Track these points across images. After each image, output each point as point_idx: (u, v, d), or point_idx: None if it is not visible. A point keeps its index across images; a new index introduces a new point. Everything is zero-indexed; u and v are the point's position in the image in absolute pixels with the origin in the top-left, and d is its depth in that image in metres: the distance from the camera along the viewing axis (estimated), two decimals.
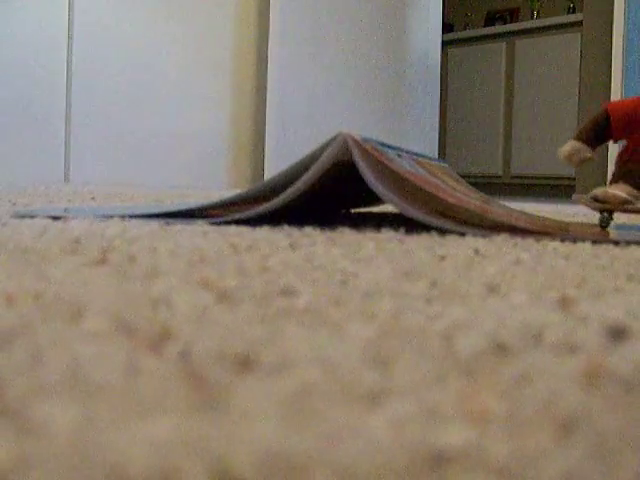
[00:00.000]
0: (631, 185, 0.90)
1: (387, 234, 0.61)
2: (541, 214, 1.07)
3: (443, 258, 0.47)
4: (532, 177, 4.20)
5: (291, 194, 0.64)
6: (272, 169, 2.62)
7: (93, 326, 0.24)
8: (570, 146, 0.90)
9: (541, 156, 4.13)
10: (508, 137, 4.29)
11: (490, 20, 4.71)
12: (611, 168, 2.68)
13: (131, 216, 0.70)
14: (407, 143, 3.09)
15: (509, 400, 0.18)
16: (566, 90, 4.02)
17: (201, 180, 2.68)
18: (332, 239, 0.57)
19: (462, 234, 0.62)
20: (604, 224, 0.84)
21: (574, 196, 0.92)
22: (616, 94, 2.67)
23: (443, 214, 0.66)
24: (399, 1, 3.05)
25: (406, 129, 3.11)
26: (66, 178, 2.41)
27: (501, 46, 4.33)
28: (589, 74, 3.75)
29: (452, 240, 0.59)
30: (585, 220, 1.14)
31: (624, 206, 0.86)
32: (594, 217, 1.31)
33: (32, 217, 0.70)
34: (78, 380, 0.18)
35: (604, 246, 0.59)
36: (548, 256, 0.51)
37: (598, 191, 0.89)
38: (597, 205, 0.86)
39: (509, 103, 4.30)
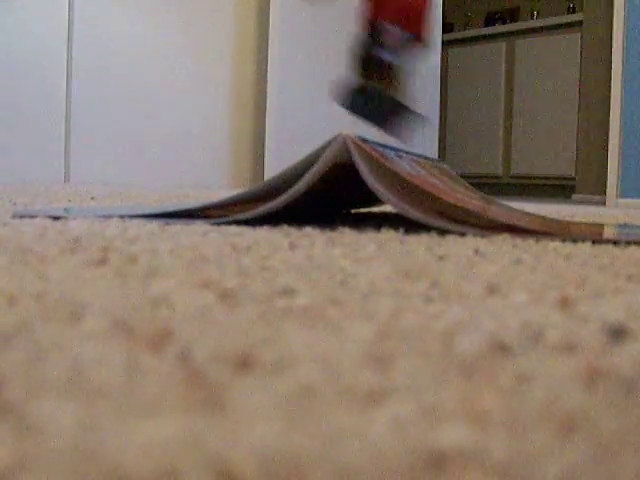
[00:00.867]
0: None
1: (387, 234, 0.61)
2: (541, 214, 1.07)
3: (443, 258, 0.47)
4: (532, 177, 4.20)
5: (291, 195, 0.64)
6: (272, 169, 2.62)
7: (93, 326, 0.24)
8: None
9: (541, 156, 4.13)
10: (508, 137, 4.29)
11: (490, 20, 4.71)
12: (612, 167, 2.68)
13: (131, 216, 0.70)
14: (407, 143, 3.09)
15: (509, 400, 0.18)
16: (566, 90, 4.02)
17: (201, 180, 2.68)
18: (332, 239, 0.57)
19: (462, 234, 0.62)
20: None
21: None
22: (616, 94, 2.67)
23: (443, 214, 0.66)
24: None
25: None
26: (66, 178, 2.41)
27: (501, 46, 4.34)
28: (589, 74, 3.75)
29: (452, 240, 0.59)
30: (585, 220, 1.14)
31: None
32: (594, 217, 1.31)
33: (32, 217, 0.70)
34: (78, 380, 0.18)
35: (604, 246, 0.59)
36: (548, 256, 0.51)
37: None
38: None
39: (509, 103, 4.30)
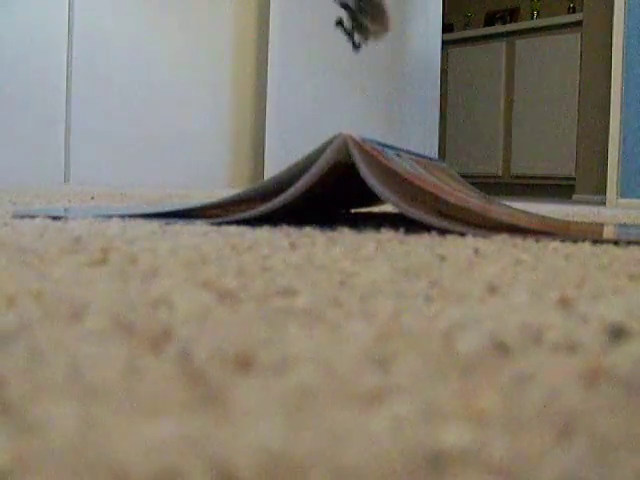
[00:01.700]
0: None
1: (387, 234, 0.61)
2: (541, 214, 1.07)
3: (443, 258, 0.47)
4: (532, 177, 4.20)
5: (291, 195, 0.64)
6: (272, 169, 2.62)
7: (93, 326, 0.24)
8: None
9: (541, 156, 4.13)
10: (508, 137, 4.29)
11: (490, 20, 4.71)
12: (612, 167, 2.68)
13: (131, 216, 0.70)
14: (407, 143, 3.09)
15: (509, 400, 0.18)
16: (566, 90, 4.02)
17: (201, 180, 2.68)
18: (332, 239, 0.57)
19: (462, 234, 0.62)
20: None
21: None
22: (616, 94, 2.67)
23: (443, 214, 0.66)
24: (399, 1, 3.05)
25: (406, 129, 3.11)
26: (66, 178, 2.41)
27: (501, 46, 4.33)
28: (589, 74, 3.75)
29: (452, 240, 0.59)
30: (585, 220, 1.14)
31: None
32: (594, 217, 1.31)
33: (32, 217, 0.70)
34: (78, 380, 0.18)
35: (604, 246, 0.59)
36: (548, 256, 0.51)
37: None
38: None
39: (509, 103, 4.30)
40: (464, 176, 3.95)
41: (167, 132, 2.60)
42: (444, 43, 4.36)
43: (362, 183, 0.64)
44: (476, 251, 0.52)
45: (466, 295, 0.33)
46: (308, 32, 2.74)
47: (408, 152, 0.78)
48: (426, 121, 3.22)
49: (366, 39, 1.11)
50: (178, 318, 0.26)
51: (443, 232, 0.62)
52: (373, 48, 2.97)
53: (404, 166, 0.70)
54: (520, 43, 4.25)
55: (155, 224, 0.63)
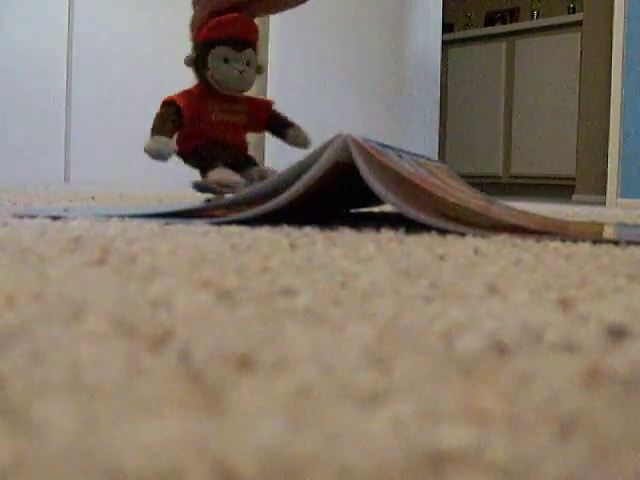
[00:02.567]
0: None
1: (387, 234, 0.61)
2: (541, 214, 1.07)
3: (443, 258, 0.47)
4: (532, 177, 4.20)
5: (291, 194, 0.64)
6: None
7: (93, 326, 0.24)
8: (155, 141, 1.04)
9: (541, 156, 4.13)
10: (508, 137, 4.29)
11: (490, 20, 4.71)
12: (612, 167, 2.68)
13: (131, 216, 0.70)
14: (407, 143, 3.09)
15: (509, 400, 0.18)
16: (566, 90, 4.02)
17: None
18: (332, 239, 0.57)
19: (462, 234, 0.62)
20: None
21: (193, 182, 1.10)
22: (616, 94, 2.67)
23: (444, 214, 0.66)
24: (399, 1, 3.05)
25: (406, 129, 3.11)
26: (66, 178, 2.41)
27: (501, 46, 4.34)
28: (589, 74, 3.75)
29: (452, 240, 0.59)
30: (585, 220, 1.14)
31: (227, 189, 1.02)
32: (595, 217, 1.31)
33: (32, 217, 0.70)
34: (78, 380, 0.18)
35: (604, 246, 0.59)
36: (548, 256, 0.51)
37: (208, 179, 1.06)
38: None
39: (509, 103, 4.30)
40: (464, 176, 3.94)
41: None
42: (444, 43, 4.36)
43: (362, 183, 0.64)
44: (476, 251, 0.52)
45: (466, 295, 0.33)
46: (308, 32, 2.74)
47: (409, 153, 0.79)
48: (426, 121, 3.22)
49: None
50: (178, 318, 0.26)
51: (443, 232, 0.62)
52: (373, 48, 2.98)
53: (405, 166, 0.70)
54: (520, 43, 4.26)
55: (155, 224, 0.63)
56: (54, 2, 2.35)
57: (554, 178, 4.11)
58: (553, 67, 4.10)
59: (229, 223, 0.66)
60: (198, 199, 1.30)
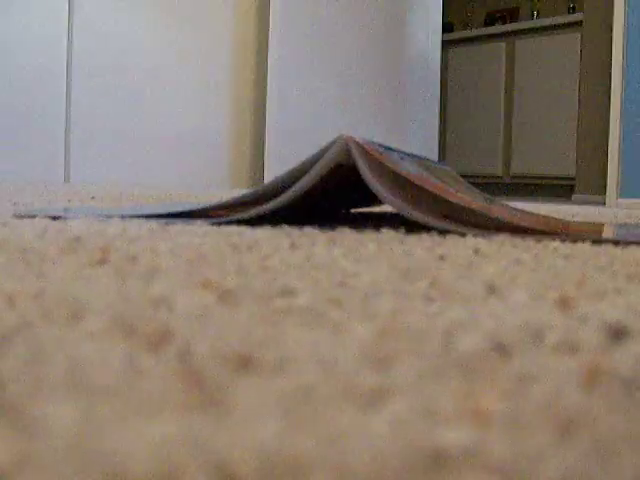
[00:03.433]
0: None
1: (387, 234, 0.61)
2: (542, 214, 1.07)
3: (443, 258, 0.47)
4: (532, 177, 4.20)
5: (291, 195, 0.64)
6: (272, 169, 2.62)
7: (93, 326, 0.24)
8: None
9: (541, 156, 4.13)
10: (508, 137, 4.29)
11: (490, 20, 4.71)
12: (612, 167, 2.68)
13: (131, 216, 0.70)
14: (407, 143, 3.09)
15: (509, 400, 0.18)
16: (566, 90, 4.02)
17: (201, 180, 2.68)
18: (332, 239, 0.57)
19: (462, 234, 0.62)
20: None
21: None
22: (616, 94, 2.67)
23: (446, 216, 0.66)
24: (399, 2, 3.05)
25: (406, 129, 3.11)
26: (66, 178, 2.41)
27: (501, 46, 4.34)
28: (589, 74, 3.75)
29: (452, 240, 0.59)
30: (586, 220, 1.14)
31: None
32: (595, 217, 1.31)
33: (32, 217, 0.70)
34: (78, 380, 0.18)
35: (604, 246, 0.59)
36: (548, 256, 0.51)
37: None
38: None
39: (509, 103, 4.30)
40: (464, 176, 3.94)
41: (167, 132, 2.60)
42: (444, 43, 4.36)
43: (363, 184, 0.65)
44: (476, 251, 0.52)
45: (466, 295, 0.33)
46: (308, 32, 2.74)
47: (411, 155, 0.79)
48: (426, 121, 3.22)
49: None
50: (178, 318, 0.26)
51: (443, 232, 0.62)
52: (373, 48, 2.98)
53: (406, 167, 0.70)
54: (520, 43, 4.25)
55: (155, 224, 0.63)
56: (54, 2, 2.35)
57: (554, 178, 4.11)
58: (553, 67, 4.10)
59: (229, 223, 0.66)
60: (199, 199, 1.30)
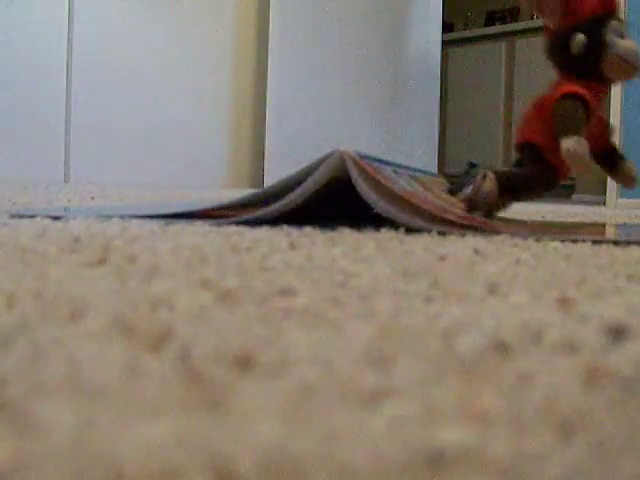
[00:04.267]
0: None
1: (387, 234, 0.61)
2: (541, 214, 1.08)
3: (443, 258, 0.47)
4: None
5: (285, 204, 0.65)
6: (272, 169, 2.62)
7: (93, 326, 0.24)
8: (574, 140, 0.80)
9: None
10: (508, 137, 4.29)
11: (490, 20, 4.71)
12: None
13: (131, 216, 0.70)
14: (407, 143, 3.09)
15: (509, 400, 0.18)
16: None
17: (201, 180, 2.68)
18: (332, 239, 0.57)
19: (462, 234, 0.62)
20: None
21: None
22: (615, 94, 2.67)
23: (443, 220, 0.66)
24: (399, 1, 3.05)
25: (406, 129, 3.11)
26: (66, 178, 2.41)
27: (501, 46, 4.33)
28: None
29: (452, 240, 0.59)
30: (586, 220, 1.14)
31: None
32: (595, 217, 1.31)
33: (32, 217, 0.70)
34: (78, 380, 0.18)
35: (604, 246, 0.59)
36: (548, 256, 0.51)
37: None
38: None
39: (509, 103, 4.30)
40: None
41: (167, 132, 2.60)
42: (444, 43, 4.36)
43: (358, 195, 0.65)
44: (476, 251, 0.52)
45: (466, 295, 0.33)
46: (308, 31, 2.74)
47: (406, 167, 0.79)
48: (426, 121, 3.22)
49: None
50: (178, 318, 0.26)
51: (443, 232, 0.63)
52: (373, 48, 2.98)
53: (401, 183, 0.70)
54: (520, 43, 4.25)
55: (155, 224, 0.63)
56: (54, 2, 2.35)
57: None
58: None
59: (229, 223, 0.66)
60: (198, 199, 1.30)
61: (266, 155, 2.67)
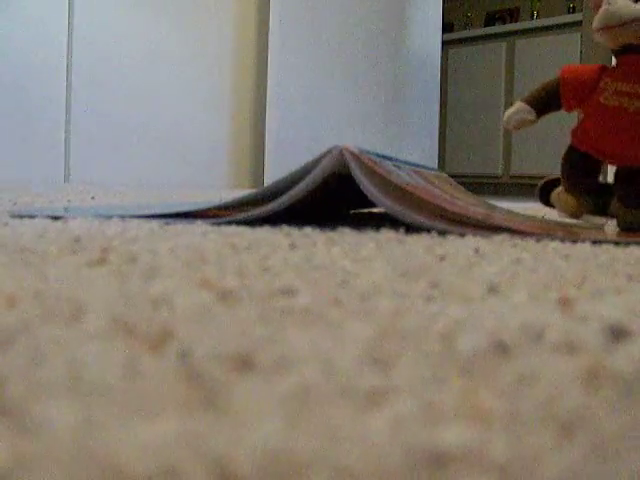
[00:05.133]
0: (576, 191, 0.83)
1: (387, 234, 0.61)
2: (541, 214, 1.08)
3: (443, 258, 0.47)
4: (532, 177, 4.20)
5: (284, 201, 0.65)
6: (272, 169, 2.62)
7: (93, 326, 0.24)
8: (515, 107, 0.82)
9: (541, 156, 4.13)
10: (508, 137, 4.29)
11: (490, 20, 4.71)
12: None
13: (131, 216, 0.70)
14: (407, 143, 3.09)
15: (509, 400, 0.18)
16: None
17: (201, 180, 2.68)
18: (332, 239, 0.57)
19: (462, 234, 0.62)
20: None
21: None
22: None
23: (444, 217, 0.66)
24: (399, 1, 3.05)
25: (406, 129, 3.11)
26: (66, 178, 2.41)
27: (501, 46, 4.33)
28: None
29: (452, 240, 0.59)
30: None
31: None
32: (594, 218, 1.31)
33: (32, 217, 0.70)
34: (78, 380, 0.18)
35: (604, 246, 0.59)
36: (548, 256, 0.51)
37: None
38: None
39: (509, 103, 4.29)
40: (464, 176, 3.93)
41: (167, 132, 2.60)
42: (444, 43, 4.36)
43: (359, 189, 0.65)
44: (476, 251, 0.52)
45: (466, 295, 0.33)
46: (308, 31, 2.74)
47: (407, 163, 0.79)
48: (426, 121, 3.22)
49: None
50: (178, 318, 0.26)
51: (443, 232, 0.63)
52: (373, 48, 2.98)
53: (403, 177, 0.70)
54: (520, 43, 4.25)
55: (155, 224, 0.63)
56: (54, 2, 2.35)
57: None
58: (553, 67, 4.09)
59: (229, 223, 0.66)
60: (198, 199, 1.30)
61: (266, 155, 2.67)
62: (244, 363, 0.20)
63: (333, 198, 0.79)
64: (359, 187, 0.64)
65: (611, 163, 0.84)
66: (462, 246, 0.54)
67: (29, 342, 0.22)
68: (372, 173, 0.65)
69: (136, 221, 0.66)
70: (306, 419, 0.16)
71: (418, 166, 0.83)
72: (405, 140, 3.09)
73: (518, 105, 0.84)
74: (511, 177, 4.31)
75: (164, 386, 0.18)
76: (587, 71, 0.82)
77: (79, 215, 0.71)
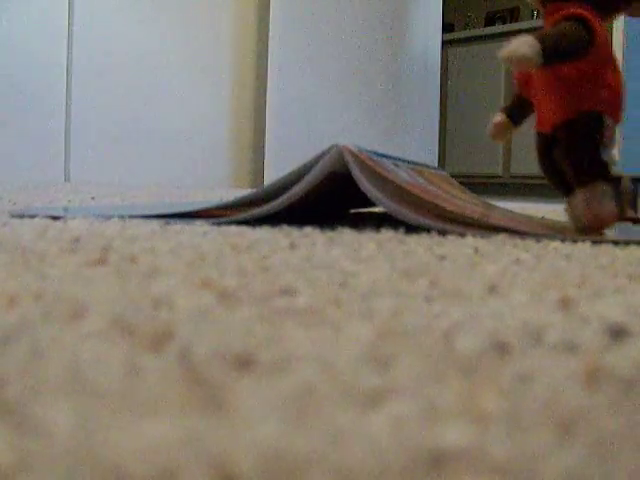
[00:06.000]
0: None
1: (387, 234, 0.61)
2: (541, 214, 1.08)
3: (443, 258, 0.47)
4: (532, 177, 4.20)
5: (285, 200, 0.65)
6: (272, 169, 2.62)
7: (93, 326, 0.24)
8: (495, 118, 0.80)
9: None
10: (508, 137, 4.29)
11: (490, 20, 4.71)
12: None
13: (131, 216, 0.70)
14: (407, 143, 3.09)
15: (509, 400, 0.18)
16: None
17: (201, 179, 2.68)
18: (332, 239, 0.57)
19: (462, 234, 0.62)
20: None
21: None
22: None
23: (444, 218, 0.66)
24: (399, 1, 3.05)
25: (406, 129, 3.11)
26: (66, 178, 2.41)
27: (501, 46, 4.33)
28: None
29: (452, 240, 0.59)
30: None
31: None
32: None
33: (32, 217, 0.70)
34: (78, 380, 0.18)
35: (604, 246, 0.59)
36: (548, 256, 0.51)
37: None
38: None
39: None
40: (464, 176, 3.93)
41: (167, 132, 2.60)
42: (444, 43, 4.36)
43: (359, 189, 0.65)
44: (476, 251, 0.52)
45: (466, 295, 0.33)
46: (308, 31, 2.74)
47: (406, 161, 0.79)
48: (426, 121, 3.22)
49: None
50: (178, 318, 0.26)
51: (443, 232, 0.63)
52: (373, 48, 2.98)
53: (402, 175, 0.70)
54: None
55: (155, 224, 0.63)
56: (54, 2, 2.35)
57: None
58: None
59: (229, 223, 0.66)
60: (198, 199, 1.30)
61: (266, 155, 2.67)
62: (244, 363, 0.20)
63: (333, 198, 0.79)
64: (359, 186, 0.64)
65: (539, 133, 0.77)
66: (462, 246, 0.54)
67: (29, 342, 0.22)
68: (371, 172, 0.65)
69: (136, 221, 0.66)
70: (306, 419, 0.16)
71: (418, 164, 0.83)
72: (405, 140, 3.09)
73: (497, 116, 0.82)
74: (511, 177, 4.31)
75: (164, 386, 0.18)
76: None
77: (79, 215, 0.71)
